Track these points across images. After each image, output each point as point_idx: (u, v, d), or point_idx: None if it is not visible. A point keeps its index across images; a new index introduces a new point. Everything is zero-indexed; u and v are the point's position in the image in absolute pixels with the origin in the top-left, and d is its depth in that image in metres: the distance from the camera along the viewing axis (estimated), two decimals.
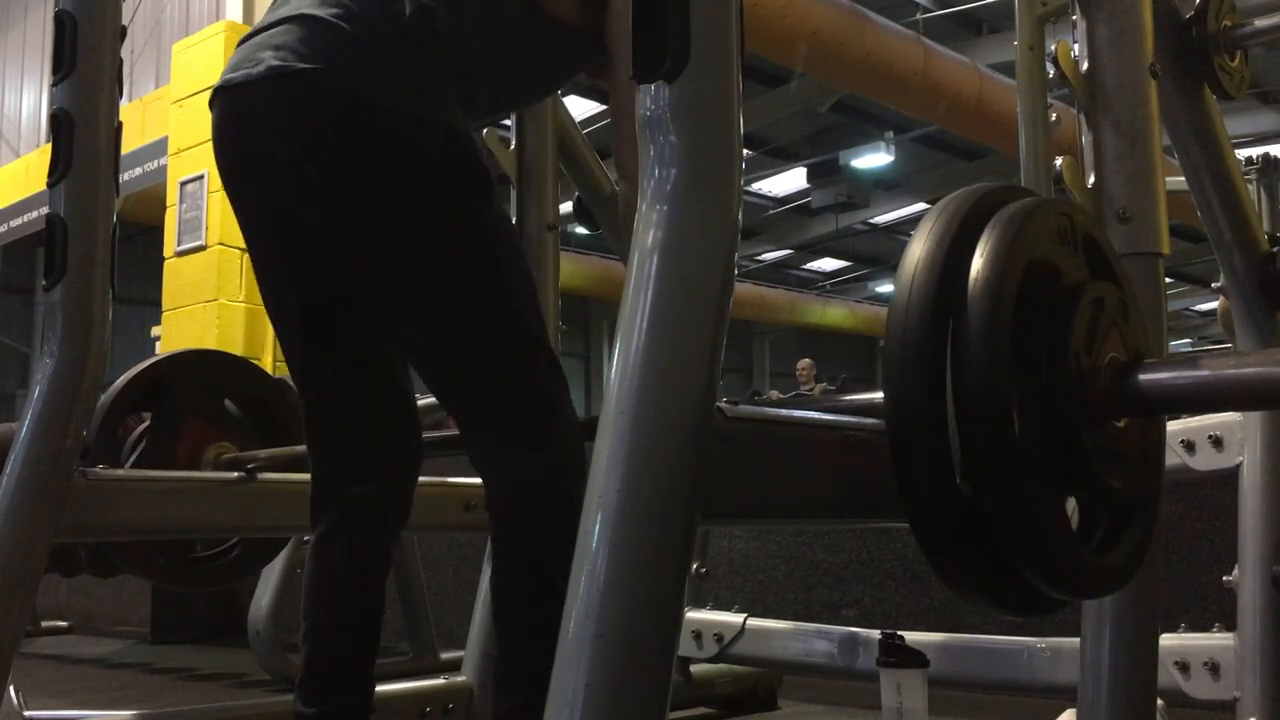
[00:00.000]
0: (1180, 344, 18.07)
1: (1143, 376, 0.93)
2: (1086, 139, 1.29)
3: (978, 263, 0.86)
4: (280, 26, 1.51)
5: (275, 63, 1.46)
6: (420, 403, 1.81)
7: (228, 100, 1.55)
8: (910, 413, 0.84)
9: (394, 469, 1.70)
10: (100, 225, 1.77)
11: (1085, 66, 1.30)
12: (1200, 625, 1.81)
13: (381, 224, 1.50)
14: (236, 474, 2.16)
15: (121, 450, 2.43)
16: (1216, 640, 1.76)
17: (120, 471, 1.93)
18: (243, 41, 1.58)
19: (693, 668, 2.59)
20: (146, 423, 2.47)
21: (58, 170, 1.76)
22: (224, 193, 1.65)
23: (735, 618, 2.38)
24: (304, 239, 1.56)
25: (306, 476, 1.73)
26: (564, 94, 2.42)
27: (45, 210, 1.80)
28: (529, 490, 1.53)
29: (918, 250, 0.87)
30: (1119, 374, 0.92)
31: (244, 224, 1.64)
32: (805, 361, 10.98)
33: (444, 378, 1.60)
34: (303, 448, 2.28)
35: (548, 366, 1.56)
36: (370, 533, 1.69)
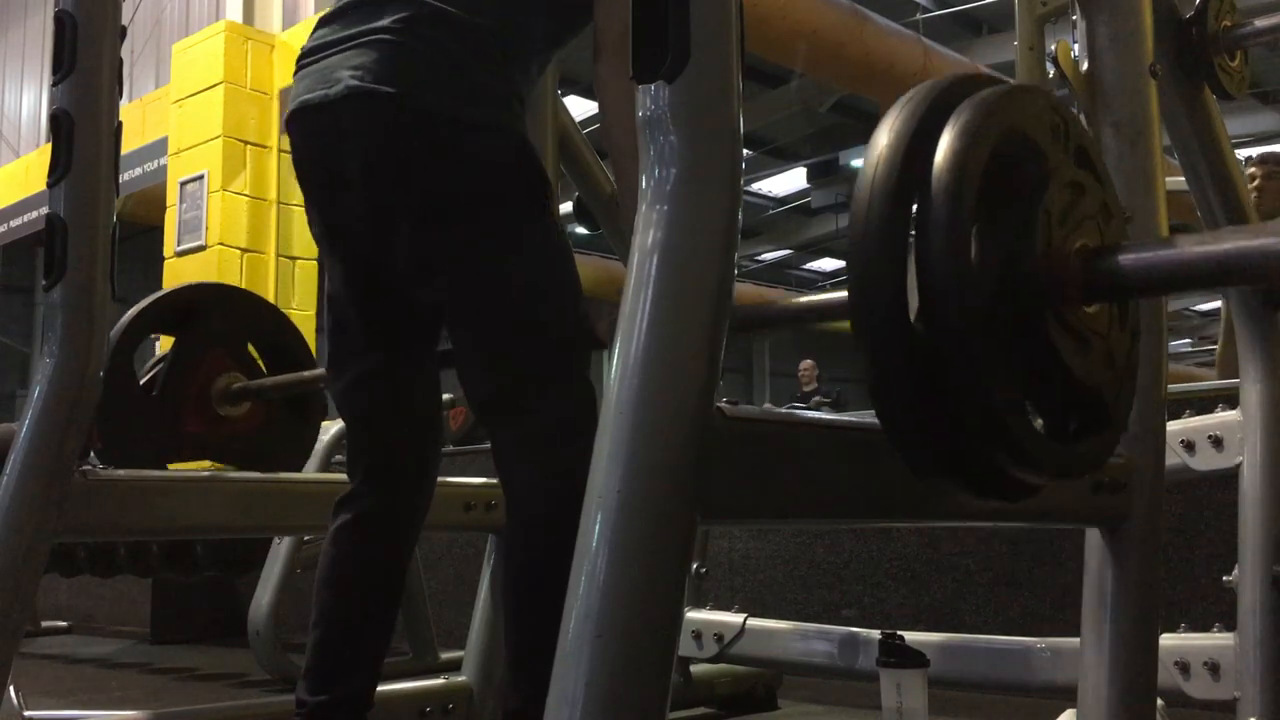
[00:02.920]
0: (1180, 344, 18.07)
1: (1114, 258, 0.92)
2: None
3: (945, 140, 0.85)
4: (353, 48, 1.57)
5: (353, 83, 1.54)
6: None
7: (308, 120, 1.62)
8: (872, 292, 0.85)
9: (422, 469, 1.78)
10: (100, 225, 1.77)
11: (1085, 66, 1.31)
12: (1200, 625, 1.81)
13: (455, 227, 1.57)
14: (246, 405, 2.28)
15: (137, 369, 2.48)
16: (1216, 640, 1.76)
17: (120, 472, 1.92)
18: (306, 59, 1.65)
19: (693, 668, 2.59)
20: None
21: (58, 170, 1.76)
22: (305, 211, 1.75)
23: (735, 618, 2.38)
24: (379, 254, 1.63)
25: (306, 477, 1.74)
26: (564, 94, 2.42)
27: (45, 210, 1.80)
28: (560, 491, 1.54)
29: (884, 132, 0.87)
30: (1088, 256, 0.92)
31: (321, 236, 1.72)
32: (807, 363, 10.97)
33: (495, 374, 1.62)
34: (306, 374, 2.40)
35: (587, 366, 1.63)
36: (396, 527, 1.76)
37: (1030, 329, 0.88)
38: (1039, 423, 0.94)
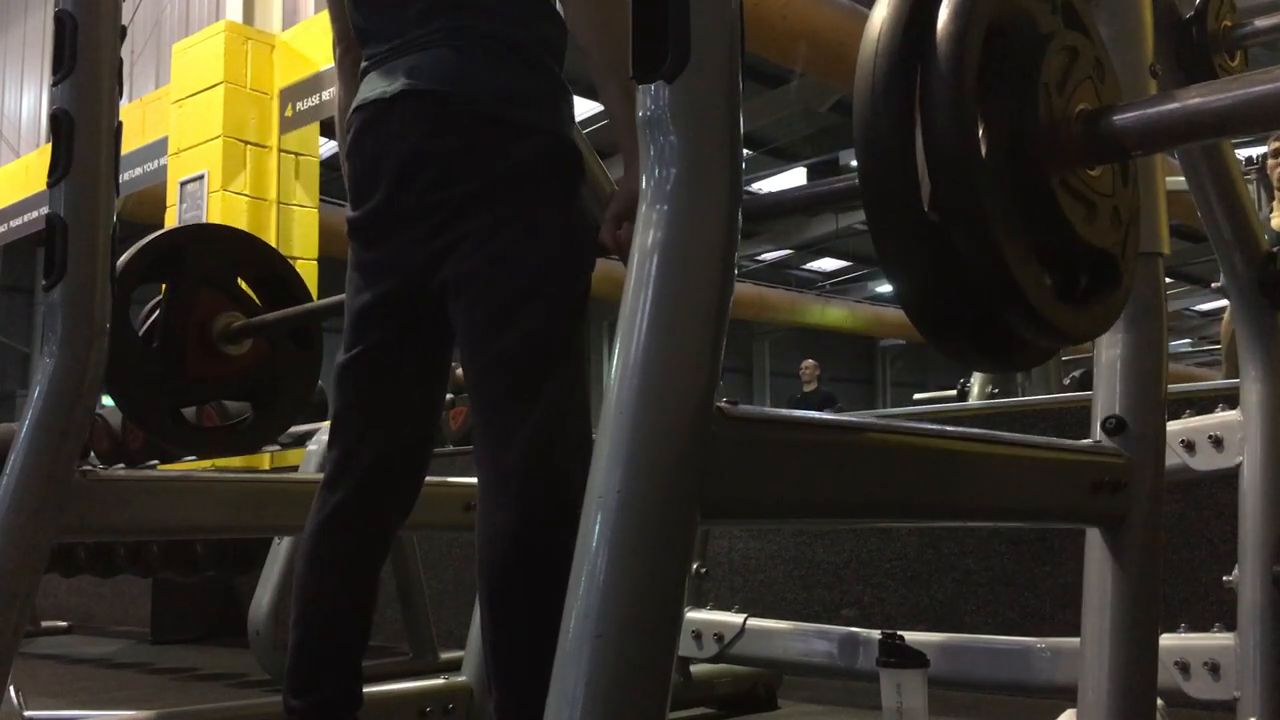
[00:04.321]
0: (1180, 344, 18.07)
1: (1114, 117, 0.93)
2: None
3: (943, 16, 0.86)
4: (413, 54, 1.66)
5: (408, 81, 1.64)
6: None
7: (364, 115, 1.69)
8: (881, 159, 0.85)
9: (411, 470, 1.77)
10: (100, 225, 1.77)
11: None
12: (1200, 625, 1.81)
13: (494, 218, 1.60)
14: (248, 341, 2.26)
15: (134, 319, 2.47)
16: (1216, 640, 1.76)
17: (120, 472, 1.93)
18: (370, 67, 1.72)
19: (693, 668, 2.60)
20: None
21: (58, 170, 1.76)
22: (347, 210, 1.76)
23: (735, 618, 2.38)
24: (413, 249, 1.65)
25: (306, 477, 1.73)
26: None
27: (45, 210, 1.80)
28: (545, 491, 1.54)
29: (881, 10, 0.88)
30: (1089, 119, 0.93)
31: (357, 231, 1.73)
32: (809, 362, 10.98)
33: (507, 364, 1.61)
34: (305, 306, 2.38)
35: (580, 358, 1.64)
36: (370, 527, 1.73)
37: (1037, 195, 0.89)
38: (1049, 283, 0.95)
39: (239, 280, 2.51)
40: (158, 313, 2.43)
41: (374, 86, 1.69)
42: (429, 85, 1.63)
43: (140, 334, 2.40)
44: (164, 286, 2.44)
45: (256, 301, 2.51)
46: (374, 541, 1.75)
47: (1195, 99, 0.92)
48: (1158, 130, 0.93)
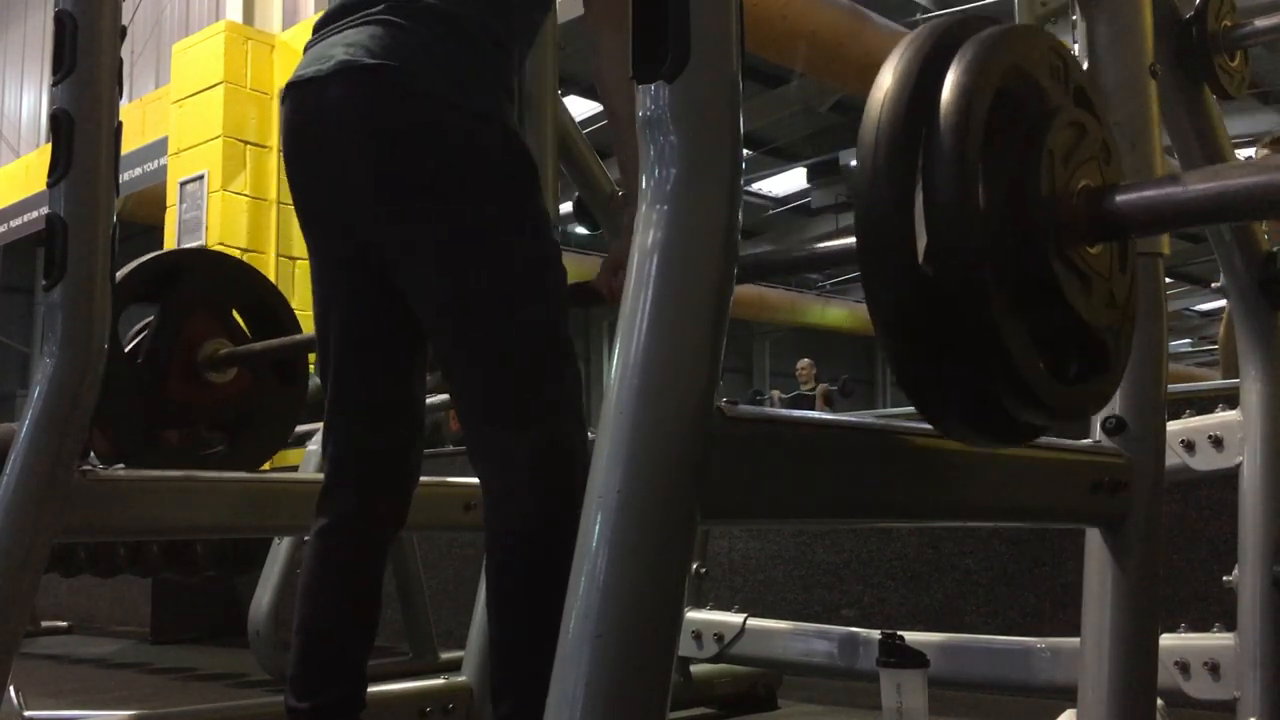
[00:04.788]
0: (1180, 344, 18.07)
1: (1117, 197, 0.92)
2: None
3: (950, 78, 0.85)
4: (352, 28, 1.58)
5: (345, 57, 1.55)
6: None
7: (298, 94, 1.61)
8: (881, 233, 0.84)
9: (403, 473, 1.75)
10: (100, 225, 1.77)
11: (1085, 66, 1.31)
12: (1200, 625, 1.81)
13: (438, 208, 1.55)
14: (232, 371, 2.26)
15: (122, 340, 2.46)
16: (1216, 640, 1.76)
17: (120, 472, 1.92)
18: (311, 43, 1.65)
19: (693, 668, 2.59)
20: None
21: (58, 170, 1.76)
22: (292, 204, 1.72)
23: (735, 618, 2.38)
24: (363, 237, 1.61)
25: (305, 477, 1.73)
26: (564, 94, 2.42)
27: (45, 210, 1.80)
28: (538, 488, 1.53)
29: (888, 72, 0.87)
30: (1091, 196, 0.92)
31: (305, 221, 1.69)
32: (805, 361, 10.98)
33: (472, 364, 1.59)
34: (294, 338, 2.35)
35: (571, 360, 1.61)
36: (376, 530, 1.73)
37: (1036, 269, 0.88)
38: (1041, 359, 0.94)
39: (232, 309, 2.49)
40: (147, 332, 2.42)
41: (306, 64, 1.61)
42: (365, 59, 1.54)
43: (126, 350, 2.39)
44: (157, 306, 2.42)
45: (246, 333, 2.49)
46: (374, 544, 1.74)
47: (1201, 185, 0.90)
48: (1161, 213, 0.92)
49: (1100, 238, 0.93)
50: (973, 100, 0.84)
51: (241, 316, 2.52)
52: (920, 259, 0.84)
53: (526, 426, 1.55)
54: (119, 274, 2.25)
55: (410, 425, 1.76)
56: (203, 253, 2.94)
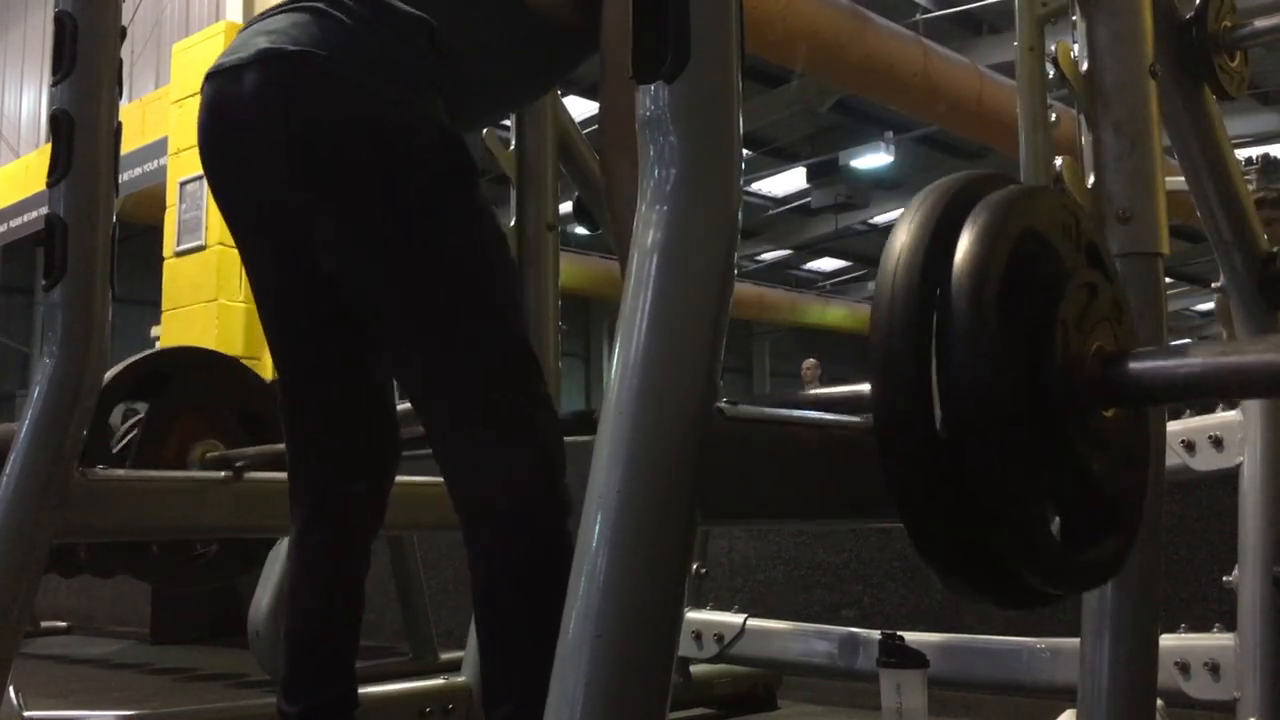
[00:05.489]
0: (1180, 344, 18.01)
1: (1132, 365, 0.91)
2: (1086, 139, 1.29)
3: (963, 244, 0.84)
4: (276, 15, 1.51)
5: (265, 45, 1.46)
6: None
7: (215, 83, 1.52)
8: (897, 406, 0.83)
9: (374, 470, 1.70)
10: (100, 225, 1.77)
11: (1085, 67, 1.31)
12: (1200, 625, 1.81)
13: (366, 207, 1.47)
14: (224, 473, 2.14)
15: (111, 438, 2.42)
16: (1216, 640, 1.76)
17: (120, 472, 1.93)
18: (239, 33, 1.58)
19: (693, 668, 2.59)
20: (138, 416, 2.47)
21: (58, 170, 1.76)
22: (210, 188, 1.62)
23: (735, 618, 2.38)
24: (289, 234, 1.54)
25: None
26: (564, 94, 2.42)
27: (45, 210, 1.80)
28: (511, 490, 1.47)
29: (902, 235, 0.86)
30: (1107, 362, 0.91)
31: (229, 217, 1.61)
32: (810, 361, 10.98)
33: (423, 370, 1.53)
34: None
35: (527, 360, 1.52)
36: (350, 531, 1.70)
37: (1052, 437, 0.87)
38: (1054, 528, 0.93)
39: (223, 409, 2.45)
40: (135, 431, 2.38)
41: (227, 53, 1.52)
42: (288, 46, 1.44)
43: (115, 451, 2.35)
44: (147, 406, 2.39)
45: (238, 431, 2.45)
46: (351, 543, 1.70)
47: (1217, 358, 0.90)
48: (1180, 383, 0.91)
49: (1115, 404, 0.92)
50: (987, 271, 0.83)
51: (232, 412, 2.46)
52: (937, 425, 0.83)
53: (494, 426, 1.49)
54: (107, 376, 2.17)
55: (373, 415, 1.68)
56: (193, 352, 2.86)
